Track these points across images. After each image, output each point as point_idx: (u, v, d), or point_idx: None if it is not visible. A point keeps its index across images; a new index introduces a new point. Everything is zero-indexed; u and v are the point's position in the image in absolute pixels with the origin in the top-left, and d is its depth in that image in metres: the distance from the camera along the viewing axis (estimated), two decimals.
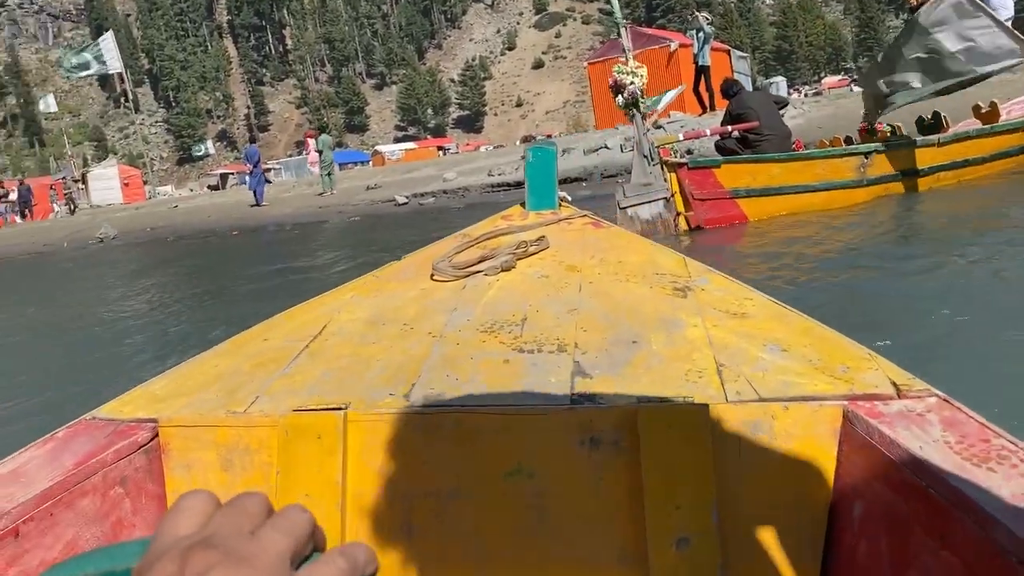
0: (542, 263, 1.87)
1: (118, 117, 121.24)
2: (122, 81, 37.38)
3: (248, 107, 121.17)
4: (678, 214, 6.79)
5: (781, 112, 7.72)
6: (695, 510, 1.07)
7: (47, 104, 44.70)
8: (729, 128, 7.45)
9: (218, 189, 53.26)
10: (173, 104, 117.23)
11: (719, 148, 7.74)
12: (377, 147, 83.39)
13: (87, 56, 36.03)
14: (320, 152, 20.96)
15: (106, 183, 37.16)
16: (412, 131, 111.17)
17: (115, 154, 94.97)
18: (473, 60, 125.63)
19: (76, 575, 0.39)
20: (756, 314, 1.44)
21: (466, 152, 65.38)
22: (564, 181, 15.00)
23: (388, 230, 12.14)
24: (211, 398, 1.28)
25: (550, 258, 1.90)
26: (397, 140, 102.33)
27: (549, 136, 63.03)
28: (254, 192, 21.20)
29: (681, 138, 7.95)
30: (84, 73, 36.71)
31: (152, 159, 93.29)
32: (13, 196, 31.80)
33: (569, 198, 2.38)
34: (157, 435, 1.21)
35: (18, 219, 31.42)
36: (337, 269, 8.14)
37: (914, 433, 0.97)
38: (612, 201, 6.98)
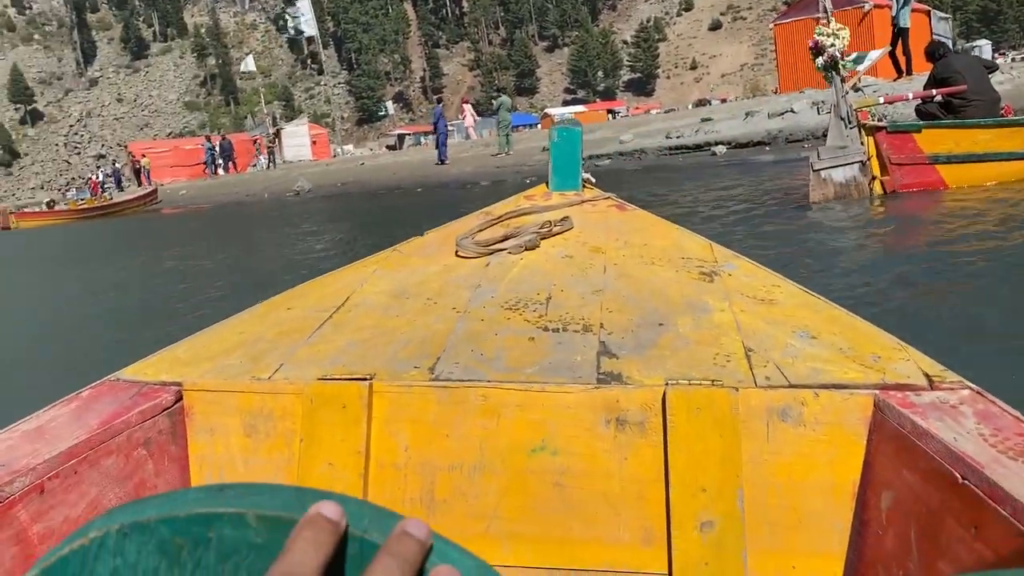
0: (566, 243, 1.84)
1: (305, 78, 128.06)
2: (310, 43, 39.48)
3: (424, 70, 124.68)
4: (873, 178, 6.71)
5: (990, 76, 7.37)
6: (721, 493, 1.07)
7: (247, 64, 48.09)
8: (933, 92, 7.20)
9: (395, 149, 55.47)
10: (355, 66, 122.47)
11: (920, 112, 7.49)
12: (546, 110, 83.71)
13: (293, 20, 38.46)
14: (497, 113, 21.64)
15: (298, 140, 39.72)
16: (581, 94, 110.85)
17: (301, 113, 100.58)
18: (648, 21, 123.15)
19: (138, 519, 0.39)
20: (784, 301, 1.42)
21: (636, 115, 64.60)
22: (747, 145, 14.79)
23: None
24: (235, 364, 1.28)
25: (574, 239, 1.87)
26: (566, 103, 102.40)
27: (724, 100, 61.13)
28: (439, 150, 22.07)
29: (881, 101, 7.75)
30: (285, 36, 39.16)
31: (334, 119, 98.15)
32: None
33: (593, 180, 2.35)
34: (181, 398, 1.21)
35: (221, 172, 34.17)
36: None
37: (948, 424, 0.96)
38: (802, 164, 6.96)
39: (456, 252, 1.80)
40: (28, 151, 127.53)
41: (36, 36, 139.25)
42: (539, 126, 64.62)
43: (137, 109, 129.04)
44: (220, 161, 34.27)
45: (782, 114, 15.27)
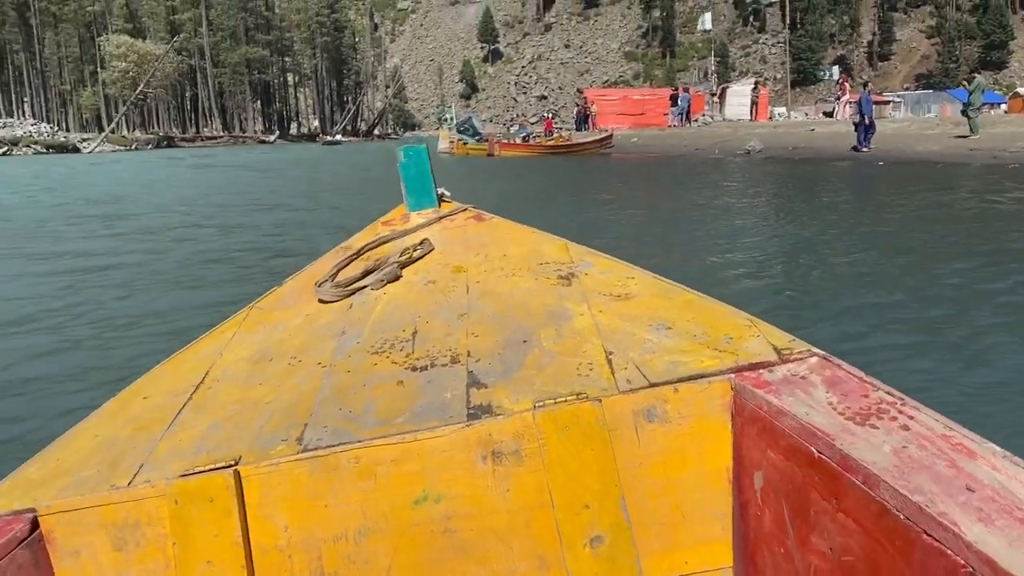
0: (428, 267, 1.79)
1: (744, 35, 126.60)
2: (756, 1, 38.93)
3: (874, 33, 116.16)
4: None
5: None
6: (603, 507, 1.08)
7: (704, 22, 49.25)
8: None
9: (831, 116, 53.20)
10: (798, 26, 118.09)
11: None
12: (1019, 89, 73.45)
13: None
14: (970, 93, 20.26)
15: (740, 99, 40.08)
16: None
17: (733, 71, 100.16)
18: None
19: None
20: (639, 293, 1.44)
21: None
22: None
23: None
24: (92, 474, 1.17)
25: (435, 261, 1.82)
26: None
27: None
28: (858, 134, 20.59)
29: None
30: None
31: (767, 79, 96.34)
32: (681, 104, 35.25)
33: (448, 193, 2.29)
34: (38, 525, 1.11)
35: (674, 122, 35.28)
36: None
37: (799, 399, 1.00)
38: None
39: (317, 298, 1.73)
40: (485, 87, 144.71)
41: None
42: (1004, 107, 57.27)
43: (581, 56, 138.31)
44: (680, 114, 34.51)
45: None
